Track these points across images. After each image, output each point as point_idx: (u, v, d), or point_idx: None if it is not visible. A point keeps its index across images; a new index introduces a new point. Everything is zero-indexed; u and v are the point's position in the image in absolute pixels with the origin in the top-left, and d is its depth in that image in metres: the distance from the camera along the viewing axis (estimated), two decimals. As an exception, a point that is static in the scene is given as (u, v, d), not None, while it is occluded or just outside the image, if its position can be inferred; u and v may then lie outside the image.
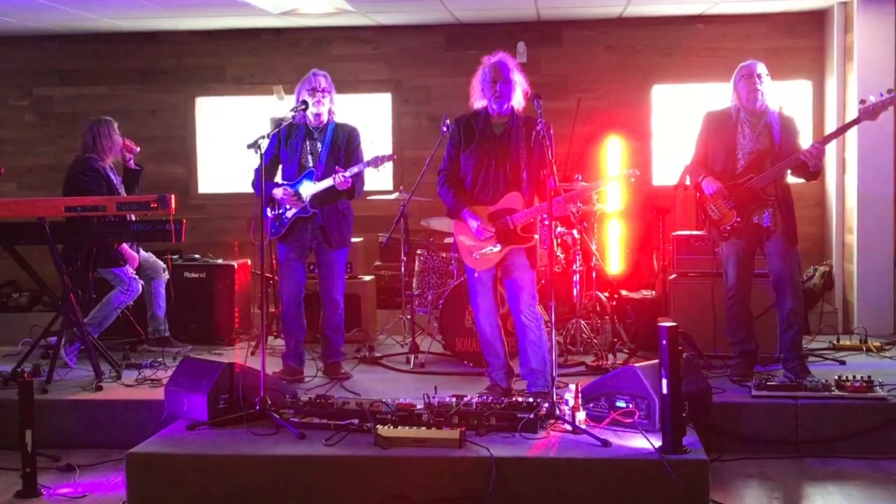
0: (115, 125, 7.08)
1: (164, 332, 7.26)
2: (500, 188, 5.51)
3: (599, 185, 6.04)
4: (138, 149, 7.21)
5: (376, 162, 6.04)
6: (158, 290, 7.25)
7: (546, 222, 5.62)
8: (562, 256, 6.88)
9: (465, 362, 6.56)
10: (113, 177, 6.98)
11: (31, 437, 4.83)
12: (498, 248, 5.47)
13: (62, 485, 5.00)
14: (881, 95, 5.69)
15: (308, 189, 6.06)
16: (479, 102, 5.59)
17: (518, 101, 5.52)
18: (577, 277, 6.94)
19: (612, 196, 7.22)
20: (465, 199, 5.57)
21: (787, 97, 8.25)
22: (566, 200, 5.59)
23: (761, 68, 5.86)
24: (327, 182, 5.98)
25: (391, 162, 6.25)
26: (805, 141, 6.05)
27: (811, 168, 5.77)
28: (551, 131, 5.28)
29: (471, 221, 5.51)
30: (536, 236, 5.57)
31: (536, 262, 5.56)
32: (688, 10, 8.54)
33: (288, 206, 6.11)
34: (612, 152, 7.95)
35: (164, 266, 7.32)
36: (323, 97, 6.09)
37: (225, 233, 9.04)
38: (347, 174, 5.95)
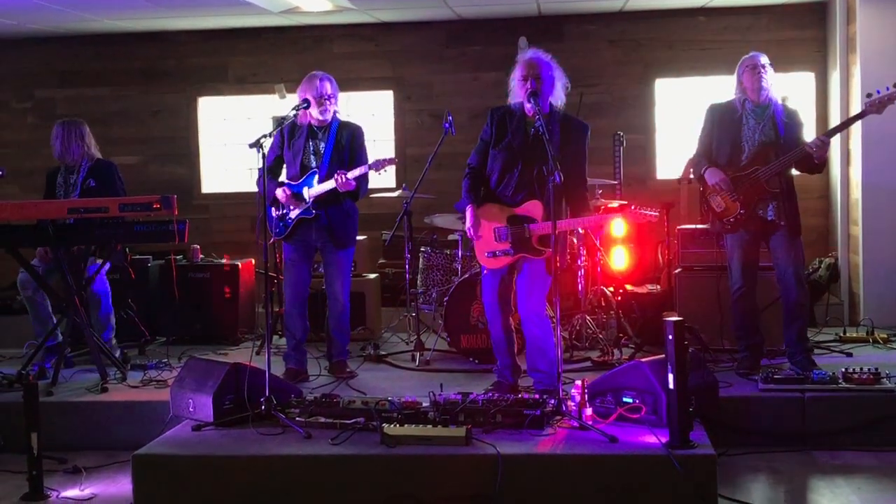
0: (59, 130, 6.78)
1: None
2: (525, 191, 5.35)
3: (608, 220, 5.92)
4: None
5: (378, 166, 5.99)
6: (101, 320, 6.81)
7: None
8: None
9: (471, 359, 6.55)
10: (60, 179, 6.75)
11: (36, 439, 4.82)
12: (510, 252, 5.37)
13: (69, 487, 4.99)
14: (887, 89, 5.64)
15: (310, 190, 6.04)
16: (515, 100, 5.41)
17: (557, 98, 5.36)
18: (582, 272, 6.92)
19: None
20: (478, 195, 5.46)
21: (791, 89, 8.24)
22: (581, 225, 5.51)
23: (764, 59, 5.84)
24: (329, 184, 5.95)
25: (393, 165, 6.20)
26: (808, 133, 6.03)
27: (816, 160, 5.74)
28: (588, 132, 5.35)
29: (468, 219, 5.42)
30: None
31: (552, 269, 5.22)
32: (689, 2, 8.52)
33: (291, 207, 6.10)
34: (616, 149, 7.92)
35: (104, 292, 6.80)
36: (330, 104, 6.04)
37: (229, 233, 9.04)
38: (350, 176, 5.91)
